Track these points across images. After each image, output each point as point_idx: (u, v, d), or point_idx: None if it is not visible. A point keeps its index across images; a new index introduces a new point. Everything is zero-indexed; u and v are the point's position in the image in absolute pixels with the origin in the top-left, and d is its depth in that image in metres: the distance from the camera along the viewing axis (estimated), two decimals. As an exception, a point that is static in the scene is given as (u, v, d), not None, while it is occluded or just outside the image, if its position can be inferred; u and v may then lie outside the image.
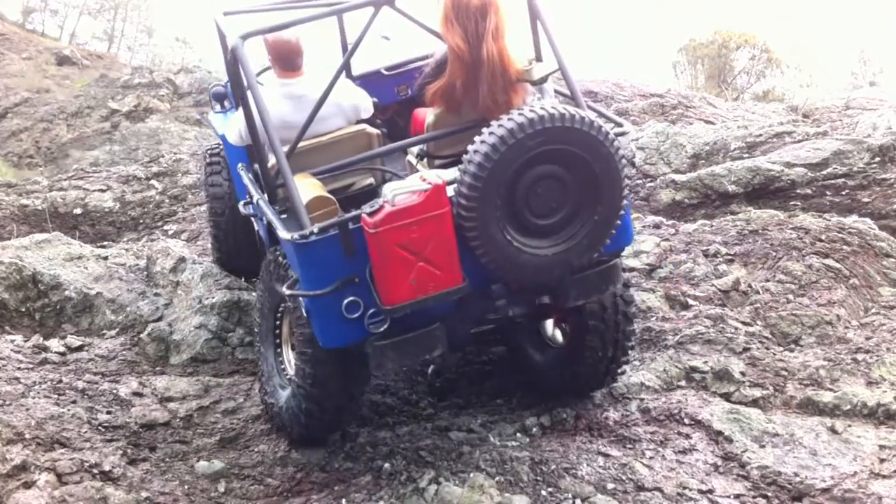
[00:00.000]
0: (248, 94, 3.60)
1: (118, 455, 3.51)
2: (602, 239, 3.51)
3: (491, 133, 3.24)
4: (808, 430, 3.72)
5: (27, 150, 14.76)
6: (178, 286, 5.48)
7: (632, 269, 5.84)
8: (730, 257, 5.76)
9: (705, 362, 4.36)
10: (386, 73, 5.15)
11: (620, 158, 3.41)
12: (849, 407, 3.90)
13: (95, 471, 3.31)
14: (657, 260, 5.89)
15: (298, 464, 3.67)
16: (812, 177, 7.20)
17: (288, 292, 3.51)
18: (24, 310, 5.31)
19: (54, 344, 4.81)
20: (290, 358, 4.00)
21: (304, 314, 3.58)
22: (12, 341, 4.80)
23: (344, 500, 3.31)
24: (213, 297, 5.05)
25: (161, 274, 5.64)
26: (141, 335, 4.97)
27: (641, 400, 4.13)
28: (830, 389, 4.05)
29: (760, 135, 8.46)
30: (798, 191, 7.16)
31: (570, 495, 3.28)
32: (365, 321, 3.41)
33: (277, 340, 4.08)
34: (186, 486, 3.38)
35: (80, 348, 4.81)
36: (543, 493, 3.28)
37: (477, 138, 3.29)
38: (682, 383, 4.28)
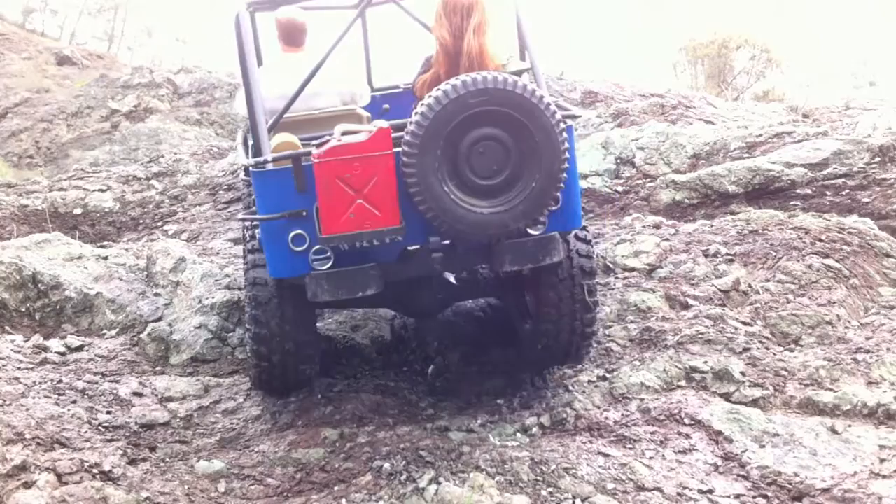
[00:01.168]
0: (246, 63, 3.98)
1: (118, 455, 3.50)
2: (539, 207, 3.76)
3: (438, 89, 3.60)
4: (808, 430, 3.72)
5: (27, 150, 14.76)
6: (178, 286, 5.48)
7: (632, 270, 5.84)
8: (730, 257, 5.76)
9: (705, 362, 4.36)
10: (404, 87, 5.51)
11: (561, 131, 3.67)
12: (849, 407, 3.90)
13: (95, 471, 3.31)
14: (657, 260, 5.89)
15: (298, 464, 3.67)
16: (812, 177, 7.20)
17: (240, 216, 4.11)
18: (24, 310, 5.31)
19: (54, 344, 4.81)
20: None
21: (259, 245, 3.98)
22: (12, 341, 4.79)
23: (344, 500, 3.31)
24: (213, 297, 5.05)
25: (161, 274, 5.64)
26: (141, 335, 4.97)
27: (641, 400, 4.13)
28: (830, 389, 4.05)
29: (760, 135, 8.46)
30: (798, 191, 7.16)
31: (570, 495, 3.28)
32: (310, 257, 3.76)
33: None
34: (186, 486, 3.38)
35: (80, 348, 4.81)
36: (543, 493, 3.28)
37: (428, 94, 3.64)
38: (682, 383, 4.28)
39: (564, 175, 3.78)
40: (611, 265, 5.95)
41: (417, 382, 4.69)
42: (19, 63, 17.03)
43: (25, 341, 4.84)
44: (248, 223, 4.22)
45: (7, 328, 5.15)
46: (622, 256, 5.98)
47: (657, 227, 6.62)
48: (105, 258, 6.01)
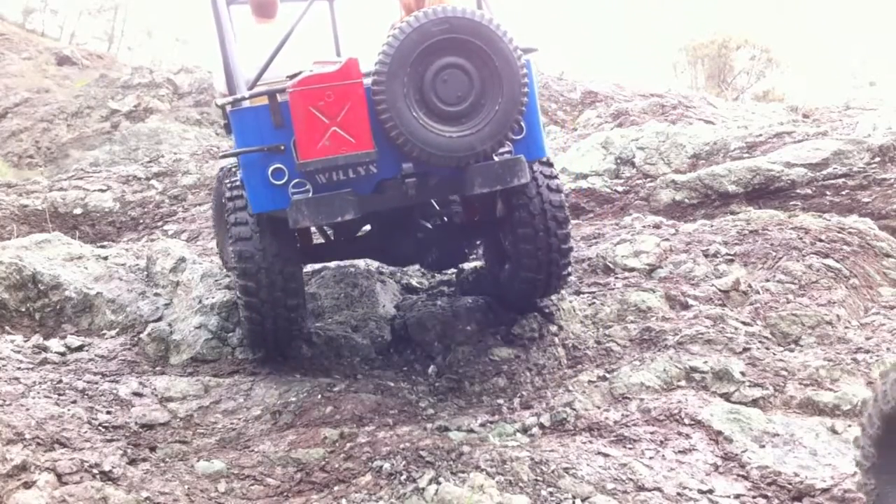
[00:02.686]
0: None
1: (118, 455, 3.50)
2: (503, 129, 4.06)
3: (404, 20, 3.91)
4: (808, 430, 3.72)
5: (27, 150, 14.75)
6: (178, 286, 5.48)
7: (632, 269, 5.84)
8: (730, 257, 5.76)
9: (705, 362, 4.36)
10: None
11: (519, 57, 3.99)
12: (849, 407, 3.90)
13: (95, 471, 3.31)
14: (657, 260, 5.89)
15: (298, 464, 3.67)
16: (812, 177, 7.20)
17: (221, 154, 4.15)
18: (24, 310, 5.31)
19: (54, 344, 4.81)
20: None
21: (242, 186, 4.20)
22: (12, 341, 4.79)
23: (344, 500, 3.30)
24: (213, 297, 5.05)
25: (161, 274, 5.64)
26: (141, 335, 4.97)
27: (641, 400, 4.13)
28: (830, 389, 4.05)
29: (760, 135, 8.46)
30: (798, 191, 7.16)
31: (570, 495, 3.28)
32: (289, 190, 4.01)
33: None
34: (186, 486, 3.38)
35: (80, 348, 4.81)
36: (543, 493, 3.28)
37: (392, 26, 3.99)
38: (682, 383, 4.28)
39: (525, 99, 4.09)
40: (611, 265, 5.95)
41: (417, 382, 4.69)
42: (19, 63, 17.03)
43: (25, 341, 4.83)
44: (227, 180, 4.48)
45: (7, 328, 5.15)
46: (622, 256, 5.98)
47: (657, 227, 6.62)
48: (105, 258, 6.01)
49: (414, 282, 6.16)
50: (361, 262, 6.11)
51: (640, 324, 4.98)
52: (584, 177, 8.31)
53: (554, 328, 5.03)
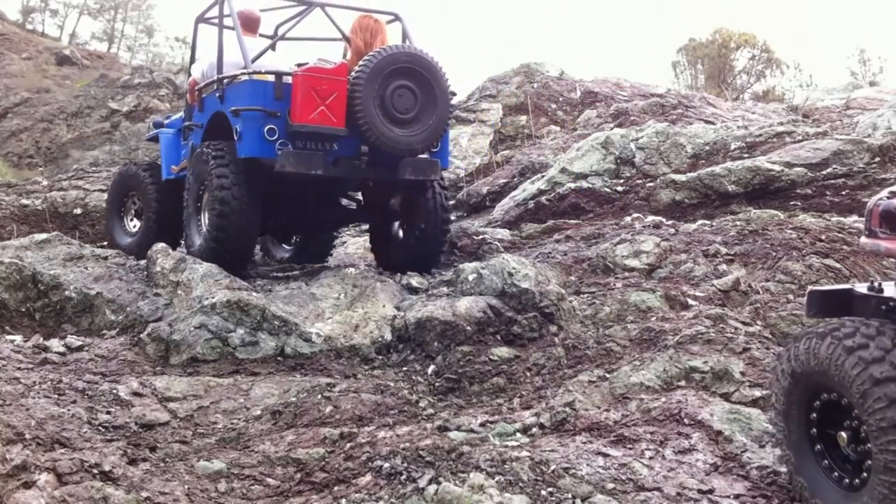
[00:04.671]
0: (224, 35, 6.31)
1: (118, 455, 3.50)
2: (433, 138, 5.88)
3: (381, 48, 5.73)
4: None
5: (27, 150, 14.75)
6: (178, 286, 5.48)
7: (632, 270, 5.84)
8: (730, 257, 5.76)
9: (705, 362, 4.36)
10: None
11: (448, 85, 5.87)
12: (849, 407, 3.90)
13: (95, 471, 3.30)
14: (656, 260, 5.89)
15: (298, 464, 3.67)
16: (812, 177, 7.20)
17: (232, 108, 5.74)
18: (24, 310, 5.31)
19: (54, 344, 4.81)
20: (205, 219, 5.96)
21: (236, 136, 5.70)
22: (12, 341, 4.79)
23: (344, 500, 3.30)
24: (213, 297, 5.05)
25: (161, 274, 5.64)
26: (141, 335, 4.97)
27: (641, 400, 4.13)
28: None
29: (760, 135, 8.46)
30: (798, 191, 7.16)
31: (570, 495, 3.28)
32: (276, 146, 5.58)
33: (199, 209, 6.09)
34: (186, 486, 3.38)
35: (80, 348, 4.81)
36: (543, 493, 3.28)
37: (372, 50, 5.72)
38: (682, 383, 4.27)
39: (449, 121, 6.09)
40: (611, 265, 5.95)
41: (417, 382, 4.69)
42: (19, 63, 17.03)
43: (25, 341, 4.83)
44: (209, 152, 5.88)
45: (7, 328, 5.15)
46: (622, 256, 5.98)
47: (657, 227, 6.62)
48: (105, 258, 6.01)
49: (414, 282, 6.16)
50: (361, 263, 6.12)
51: (640, 324, 4.98)
52: (584, 177, 8.31)
53: (554, 328, 5.03)
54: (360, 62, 5.59)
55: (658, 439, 3.74)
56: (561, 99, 12.57)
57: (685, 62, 19.01)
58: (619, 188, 8.11)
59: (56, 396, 4.01)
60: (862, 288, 3.11)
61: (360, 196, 6.98)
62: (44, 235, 6.17)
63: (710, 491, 3.36)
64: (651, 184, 7.95)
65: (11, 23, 19.57)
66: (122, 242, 7.26)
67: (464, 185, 10.34)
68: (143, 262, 5.97)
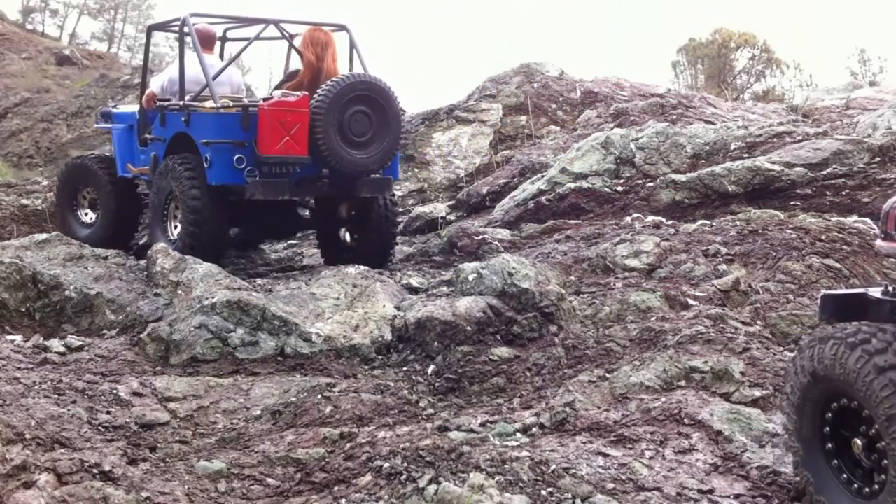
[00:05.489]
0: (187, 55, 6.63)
1: (118, 455, 3.50)
2: (387, 158, 6.34)
3: (338, 77, 6.16)
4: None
5: (27, 150, 14.75)
6: (178, 286, 5.47)
7: (632, 270, 5.84)
8: (730, 257, 5.76)
9: (705, 362, 4.36)
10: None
11: (400, 109, 6.41)
12: (849, 407, 3.89)
13: (95, 471, 3.30)
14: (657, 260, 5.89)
15: (298, 464, 3.67)
16: (812, 177, 7.20)
17: (203, 140, 6.07)
18: (24, 310, 5.31)
19: (54, 344, 4.81)
20: (174, 225, 6.43)
21: (206, 163, 6.06)
22: (12, 341, 4.79)
23: (344, 501, 3.30)
24: (213, 297, 5.05)
25: (161, 274, 5.64)
26: (141, 335, 4.97)
27: (641, 400, 4.13)
28: None
29: (760, 135, 8.46)
30: (798, 191, 7.16)
31: (570, 495, 3.28)
32: (245, 173, 6.02)
33: (165, 217, 6.50)
34: (186, 486, 3.38)
35: (80, 348, 4.81)
36: (543, 493, 3.28)
37: (329, 80, 6.14)
38: (682, 383, 4.27)
39: (401, 142, 6.77)
40: (611, 265, 5.95)
41: (417, 382, 4.69)
42: (19, 63, 17.03)
43: (25, 341, 4.83)
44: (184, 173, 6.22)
45: (7, 328, 5.15)
46: (622, 256, 5.98)
47: (657, 227, 6.62)
48: (105, 258, 6.01)
49: (414, 282, 6.16)
50: (362, 265, 6.13)
51: (640, 324, 4.98)
52: (584, 177, 8.31)
53: (554, 328, 5.03)
54: (321, 91, 5.99)
55: (658, 439, 3.74)
56: (561, 99, 12.56)
57: (685, 62, 19.00)
58: (619, 188, 8.11)
59: (56, 396, 4.01)
60: (876, 292, 3.10)
61: (312, 204, 7.40)
62: (44, 235, 6.17)
63: (710, 491, 3.36)
64: (651, 184, 7.95)
65: (11, 23, 19.56)
66: (80, 234, 7.43)
67: (464, 185, 10.34)
68: (143, 262, 5.97)
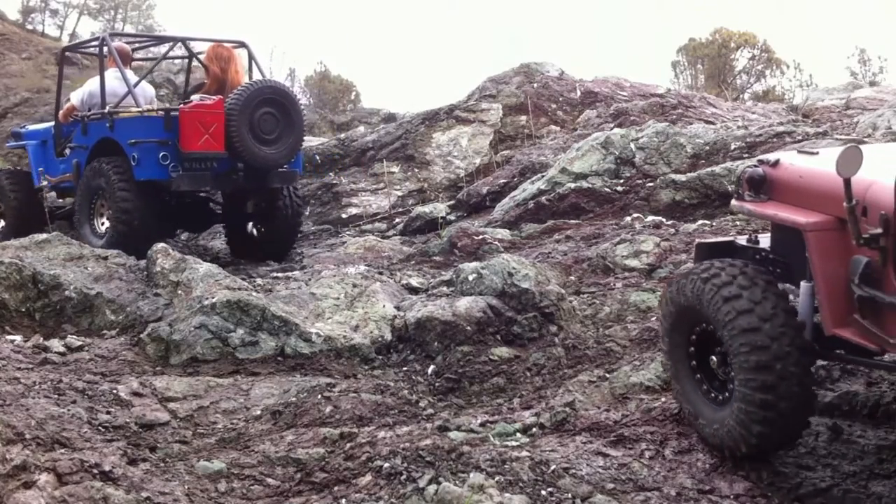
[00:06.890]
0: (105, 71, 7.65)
1: (118, 455, 3.50)
2: (292, 153, 7.40)
3: (249, 82, 7.26)
4: (808, 431, 3.72)
5: (27, 150, 14.69)
6: (178, 286, 5.48)
7: (632, 270, 5.84)
8: (730, 257, 5.74)
9: (705, 362, 4.35)
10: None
11: (301, 111, 7.47)
12: (848, 407, 3.90)
13: (95, 471, 3.30)
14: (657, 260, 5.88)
15: (298, 464, 3.67)
16: (812, 177, 7.17)
17: (132, 141, 6.97)
18: (24, 310, 5.31)
19: (54, 344, 4.81)
20: (101, 222, 7.30)
21: (133, 161, 6.97)
22: (12, 341, 4.79)
23: (344, 501, 3.30)
24: (213, 297, 5.05)
25: (161, 274, 5.64)
26: (141, 335, 4.97)
27: (641, 400, 4.13)
28: (830, 389, 4.04)
29: (760, 135, 8.46)
30: (798, 191, 7.13)
31: (570, 495, 3.28)
32: (169, 169, 6.97)
33: (91, 214, 7.36)
34: (186, 486, 3.38)
35: (80, 348, 4.81)
36: (543, 493, 3.28)
37: (240, 85, 7.26)
38: (682, 383, 4.26)
39: (303, 140, 7.57)
40: (611, 265, 5.95)
41: (417, 382, 4.69)
42: (19, 63, 17.01)
43: (25, 341, 4.83)
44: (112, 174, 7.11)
45: (7, 328, 5.14)
46: (622, 256, 5.99)
47: (657, 227, 6.62)
48: (105, 258, 6.01)
49: (414, 282, 6.16)
50: (362, 264, 6.12)
51: (640, 324, 4.98)
52: (584, 177, 8.32)
53: (554, 328, 5.03)
54: (233, 95, 7.02)
55: (658, 439, 3.74)
56: (561, 99, 12.57)
57: (685, 62, 18.98)
58: (619, 188, 8.11)
59: (56, 396, 4.01)
60: (742, 240, 3.75)
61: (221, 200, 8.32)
62: (44, 235, 6.16)
63: (710, 491, 3.36)
64: (651, 184, 7.96)
65: (11, 23, 19.54)
66: None
67: (464, 185, 10.34)
68: (143, 262, 5.97)
